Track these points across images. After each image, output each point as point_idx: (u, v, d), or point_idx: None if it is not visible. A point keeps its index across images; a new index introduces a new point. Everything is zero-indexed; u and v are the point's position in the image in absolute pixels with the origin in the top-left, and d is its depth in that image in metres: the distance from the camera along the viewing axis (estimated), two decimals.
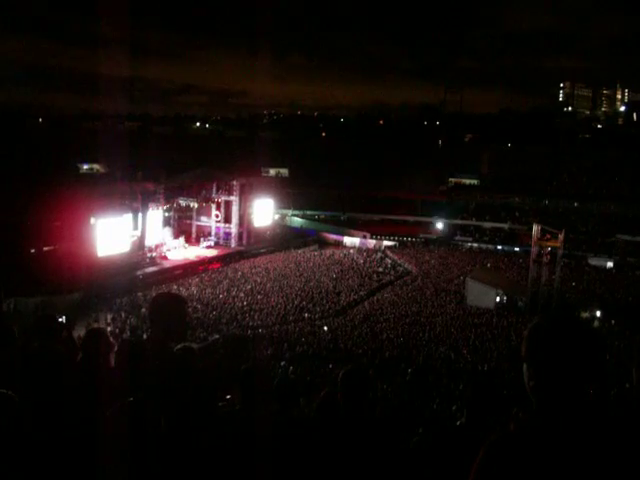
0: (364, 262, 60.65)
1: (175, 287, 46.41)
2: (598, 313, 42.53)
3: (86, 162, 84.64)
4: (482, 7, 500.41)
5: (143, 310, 38.48)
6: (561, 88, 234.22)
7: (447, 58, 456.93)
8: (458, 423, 4.84)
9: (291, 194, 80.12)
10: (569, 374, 2.24)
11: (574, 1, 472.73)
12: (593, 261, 63.74)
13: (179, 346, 4.82)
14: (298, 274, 53.04)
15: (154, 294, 43.87)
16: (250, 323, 39.09)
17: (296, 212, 79.78)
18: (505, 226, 75.63)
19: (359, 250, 67.32)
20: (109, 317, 38.92)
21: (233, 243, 63.54)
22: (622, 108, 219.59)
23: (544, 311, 43.07)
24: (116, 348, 5.15)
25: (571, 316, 2.47)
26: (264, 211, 69.09)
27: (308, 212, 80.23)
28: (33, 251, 47.01)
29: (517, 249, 68.30)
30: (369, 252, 66.25)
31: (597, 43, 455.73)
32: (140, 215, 53.14)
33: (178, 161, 73.45)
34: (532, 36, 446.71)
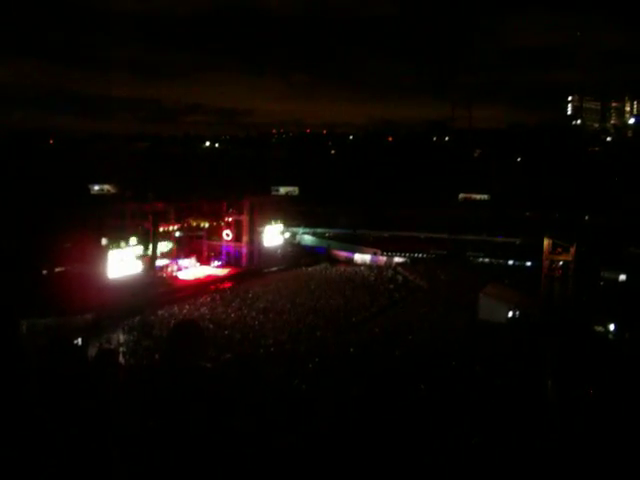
0: (375, 279, 60.51)
1: (186, 307, 46.44)
2: (612, 326, 42.19)
3: (97, 183, 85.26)
4: (488, 23, 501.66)
5: (155, 331, 38.63)
6: (569, 101, 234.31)
7: (453, 74, 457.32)
8: (473, 441, 4.84)
9: (301, 212, 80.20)
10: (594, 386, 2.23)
11: (580, 15, 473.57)
12: (606, 274, 63.30)
13: (191, 366, 4.85)
14: (309, 292, 52.95)
15: (165, 314, 43.98)
16: (262, 341, 39.01)
17: (306, 230, 79.80)
18: (516, 241, 75.40)
19: (370, 267, 67.22)
20: (121, 338, 38.95)
21: (244, 262, 63.60)
22: (631, 120, 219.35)
23: (557, 325, 42.84)
24: (126, 371, 5.18)
25: (590, 331, 2.47)
26: (274, 230, 69.20)
27: (318, 230, 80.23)
28: (45, 272, 47.18)
29: (529, 263, 67.96)
30: (380, 269, 66.13)
31: (605, 56, 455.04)
32: (151, 235, 53.31)
33: (188, 181, 73.81)
34: (539, 50, 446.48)
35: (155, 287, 51.73)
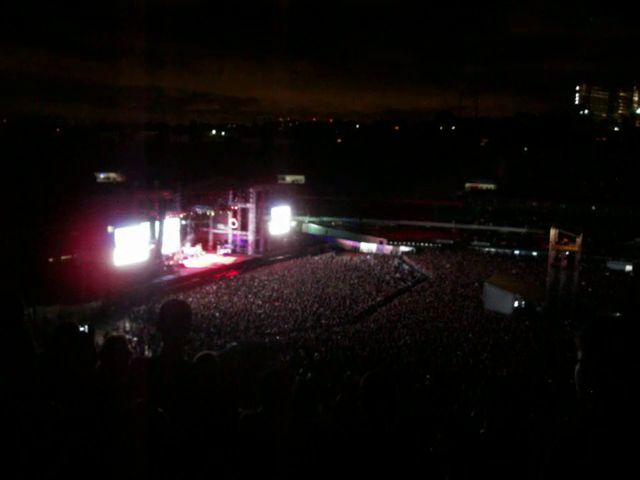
0: (381, 268, 60.51)
1: (192, 295, 46.53)
2: None
3: (103, 171, 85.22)
4: (496, 12, 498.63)
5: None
6: (577, 91, 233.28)
7: (461, 63, 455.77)
8: (481, 431, 4.79)
9: (307, 201, 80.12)
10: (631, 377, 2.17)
11: (588, 5, 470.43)
12: (611, 265, 63.19)
13: (199, 355, 4.82)
14: (315, 281, 52.99)
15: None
16: (267, 330, 39.09)
17: (312, 219, 79.71)
18: (522, 230, 75.24)
19: (376, 256, 67.21)
20: (127, 326, 39.07)
21: (250, 250, 63.58)
22: (639, 110, 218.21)
23: (562, 316, 42.86)
24: (131, 363, 5.13)
25: (630, 317, 2.38)
26: (281, 218, 69.19)
27: (325, 219, 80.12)
28: (51, 260, 47.26)
29: (535, 253, 67.86)
30: (386, 258, 66.11)
31: (613, 45, 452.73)
32: (157, 223, 53.31)
33: (194, 169, 73.72)
34: (547, 39, 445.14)
35: (161, 275, 51.83)
